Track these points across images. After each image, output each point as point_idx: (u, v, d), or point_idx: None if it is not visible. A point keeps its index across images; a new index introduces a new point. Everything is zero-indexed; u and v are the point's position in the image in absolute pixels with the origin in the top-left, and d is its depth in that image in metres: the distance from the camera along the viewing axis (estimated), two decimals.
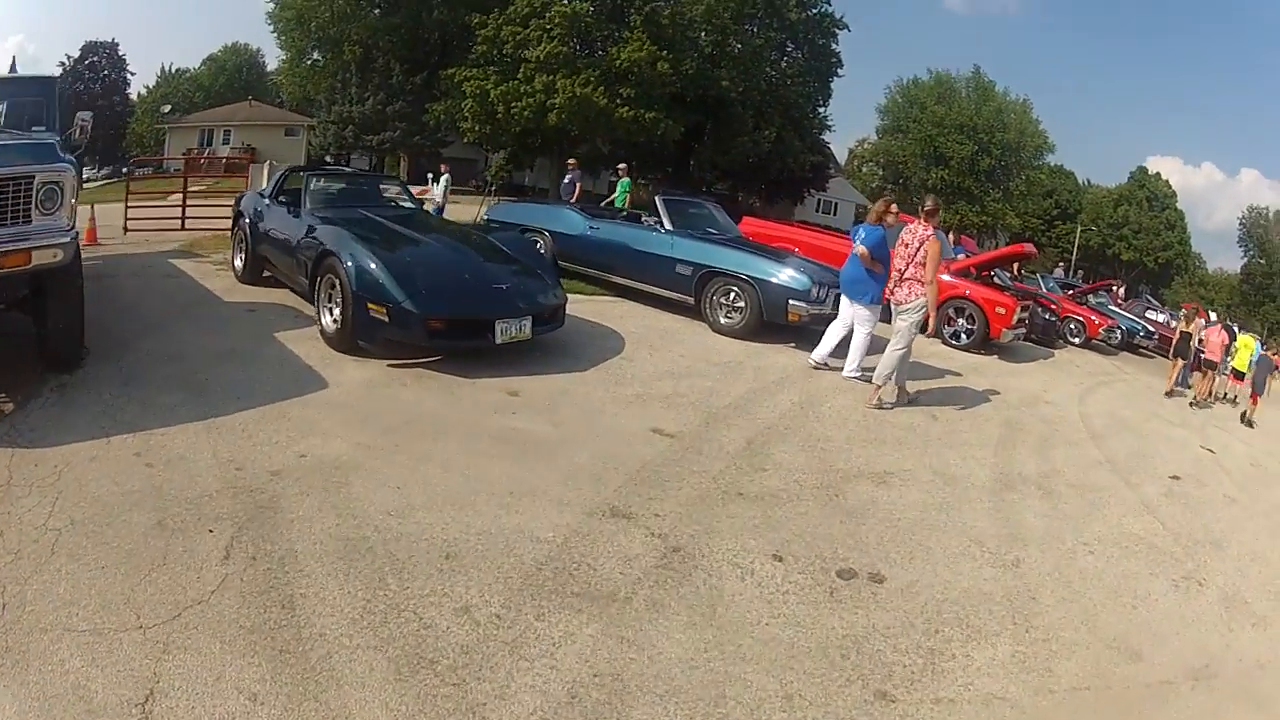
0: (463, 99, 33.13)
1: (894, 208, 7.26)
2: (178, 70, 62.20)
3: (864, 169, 53.26)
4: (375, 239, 6.32)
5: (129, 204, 13.92)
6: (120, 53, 55.54)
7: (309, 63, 40.46)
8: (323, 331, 6.27)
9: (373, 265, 5.80)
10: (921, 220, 6.88)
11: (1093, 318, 16.09)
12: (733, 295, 8.50)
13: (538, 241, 9.78)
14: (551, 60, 31.64)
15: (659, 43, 31.37)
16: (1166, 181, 57.22)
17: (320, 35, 37.26)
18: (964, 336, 11.00)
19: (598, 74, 31.97)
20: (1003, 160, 46.88)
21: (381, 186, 8.99)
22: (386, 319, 5.70)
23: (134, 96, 57.76)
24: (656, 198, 9.63)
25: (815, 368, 7.60)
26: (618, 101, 31.52)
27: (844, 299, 7.43)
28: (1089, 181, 60.63)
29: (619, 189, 15.52)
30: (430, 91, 35.89)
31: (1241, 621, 4.33)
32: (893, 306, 6.85)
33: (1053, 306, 14.50)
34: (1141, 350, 17.85)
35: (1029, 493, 5.64)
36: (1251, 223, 57.63)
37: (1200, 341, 12.85)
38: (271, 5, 37.28)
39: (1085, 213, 55.50)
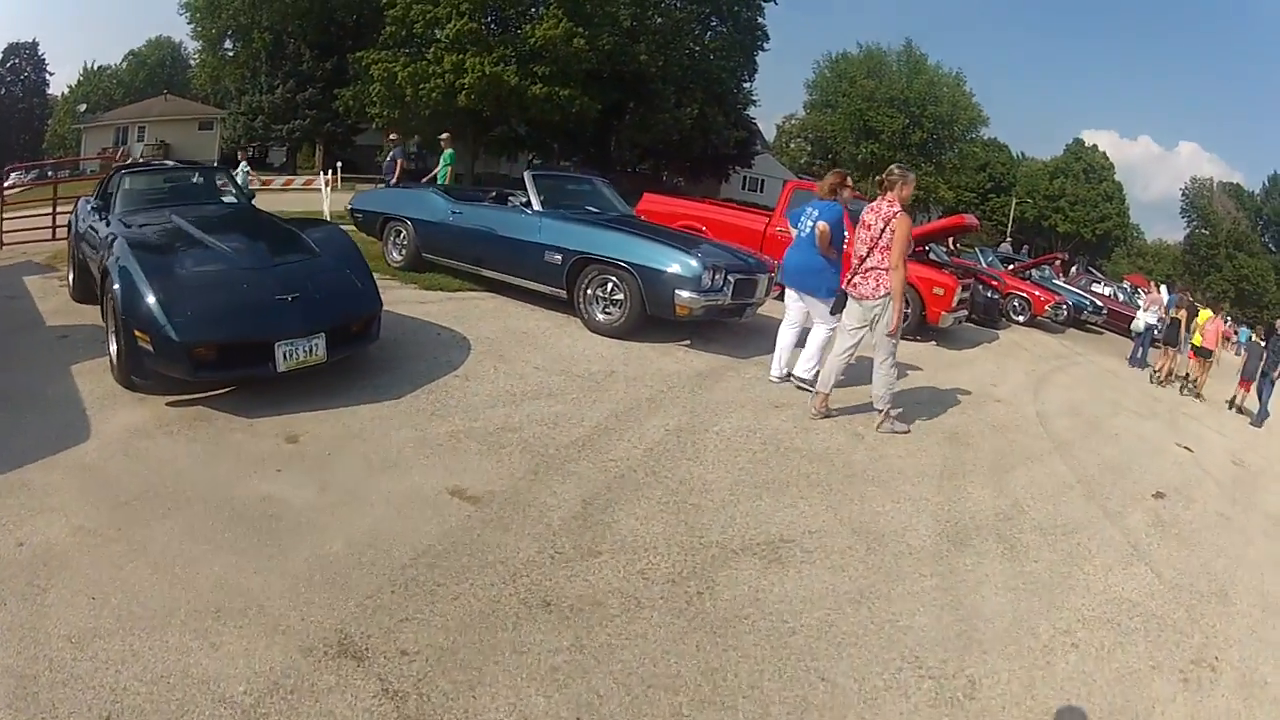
0: (370, 83, 31.11)
1: (849, 181, 6.19)
2: (100, 67, 58.68)
3: (792, 145, 51.86)
4: (159, 249, 5.19)
5: (3, 214, 11.86)
6: (40, 53, 53.06)
7: (220, 52, 38.01)
8: (110, 363, 5.03)
9: (140, 284, 4.58)
10: (886, 196, 5.36)
11: (1038, 294, 14.80)
12: (610, 286, 6.78)
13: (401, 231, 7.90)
14: (462, 38, 29.74)
15: (575, 18, 29.49)
16: (1104, 153, 56.26)
17: (232, 23, 34.95)
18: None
19: (510, 52, 30.12)
20: (935, 134, 46.03)
21: (217, 181, 7.58)
22: (151, 349, 4.49)
23: (60, 95, 54.91)
24: (525, 173, 7.85)
25: (778, 383, 6.21)
26: (531, 80, 29.62)
27: (790, 293, 6.17)
28: (1023, 155, 60.07)
29: (441, 162, 13.78)
30: (342, 77, 33.74)
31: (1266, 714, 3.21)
32: (855, 303, 5.45)
33: (994, 283, 13.14)
34: (1089, 326, 16.68)
35: (986, 551, 4.06)
36: (1195, 193, 57.74)
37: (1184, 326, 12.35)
38: None
39: (1020, 185, 55.01)
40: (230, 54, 37.63)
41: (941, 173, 45.71)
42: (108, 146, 42.13)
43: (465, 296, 7.89)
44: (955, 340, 10.16)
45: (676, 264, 6.31)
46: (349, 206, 9.84)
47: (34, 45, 53.05)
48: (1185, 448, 7.40)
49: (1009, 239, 33.41)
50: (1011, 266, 17.55)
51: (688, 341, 6.97)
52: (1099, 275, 24.64)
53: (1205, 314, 12.83)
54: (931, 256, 10.84)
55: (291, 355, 4.61)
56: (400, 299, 7.16)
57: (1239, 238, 53.90)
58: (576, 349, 6.46)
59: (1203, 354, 12.16)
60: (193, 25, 36.42)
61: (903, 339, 8.88)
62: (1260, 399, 10.68)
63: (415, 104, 30.61)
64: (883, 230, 5.25)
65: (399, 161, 13.73)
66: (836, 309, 5.56)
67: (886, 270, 5.22)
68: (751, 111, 40.55)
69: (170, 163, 12.04)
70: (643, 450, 4.58)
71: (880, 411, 5.54)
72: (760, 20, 38.17)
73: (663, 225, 8.67)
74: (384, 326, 5.49)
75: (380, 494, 3.78)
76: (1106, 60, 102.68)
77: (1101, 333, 16.89)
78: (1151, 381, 11.66)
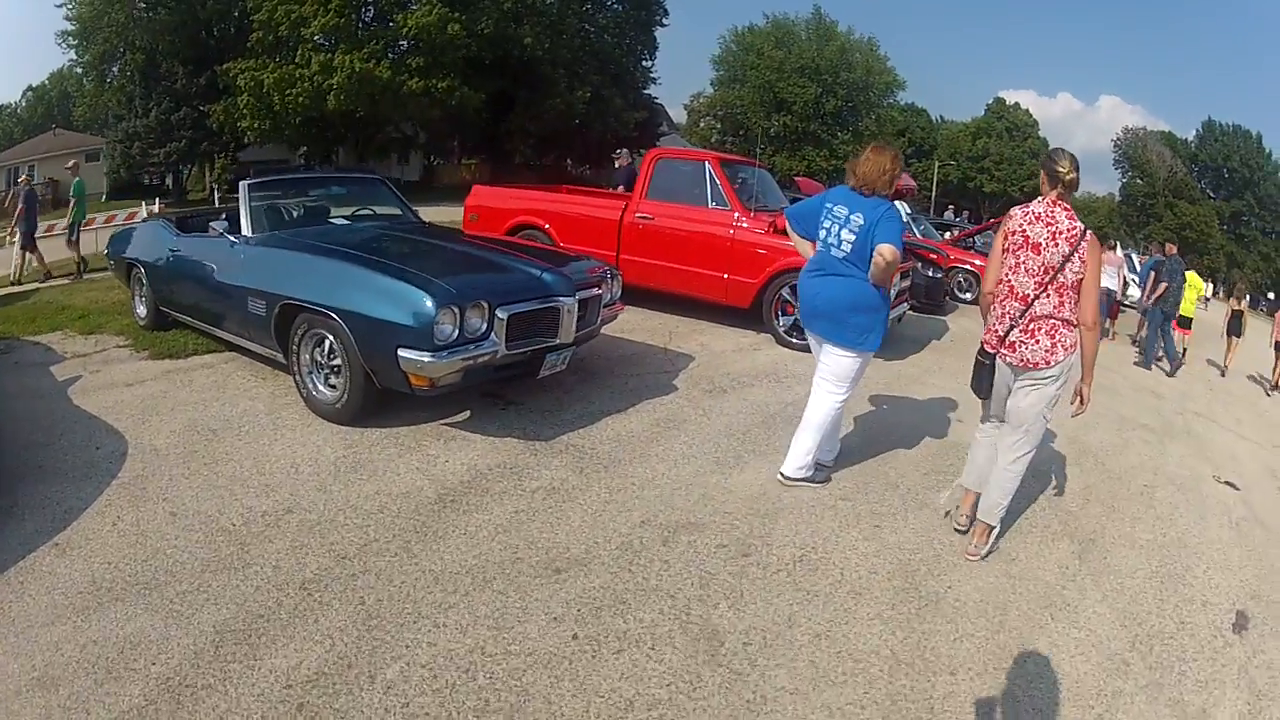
0: (239, 95, 27.82)
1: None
2: None
3: (702, 124, 49.24)
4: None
5: None
6: None
7: (95, 79, 34.23)
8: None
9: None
10: (1054, 198, 3.25)
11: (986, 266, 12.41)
12: (328, 346, 4.04)
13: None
14: (329, 35, 26.56)
15: (450, 3, 26.44)
16: (1027, 111, 54.90)
17: (106, 46, 31.31)
18: None
19: (381, 46, 26.96)
20: (850, 101, 44.29)
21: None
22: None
23: None
24: (240, 183, 5.06)
25: (788, 484, 3.89)
26: (405, 74, 26.49)
27: (814, 338, 3.93)
28: (943, 118, 58.24)
29: (72, 193, 11.71)
30: (214, 91, 30.15)
31: None
32: (1010, 372, 3.34)
33: (934, 257, 10.65)
34: None
35: None
36: (1128, 143, 56.37)
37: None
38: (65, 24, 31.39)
39: (942, 148, 53.71)
40: (108, 79, 34.04)
41: (859, 140, 43.64)
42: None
43: (188, 366, 5.29)
44: (894, 338, 7.60)
45: (392, 305, 3.64)
46: (104, 251, 7.12)
47: None
48: (1228, 484, 5.06)
49: (950, 207, 31.30)
50: (949, 235, 15.26)
51: (501, 405, 4.39)
52: None
53: (1193, 278, 10.76)
54: None
55: None
56: (106, 381, 4.99)
57: (1177, 185, 53.27)
58: (274, 455, 3.80)
59: (1183, 323, 10.19)
60: (72, 53, 33.11)
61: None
62: None
63: (284, 112, 27.33)
64: (1067, 257, 3.10)
65: (20, 196, 10.84)
66: (982, 388, 3.41)
67: (1071, 323, 3.17)
68: (659, 93, 37.84)
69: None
70: None
71: (988, 528, 3.40)
72: None
73: (470, 236, 6.05)
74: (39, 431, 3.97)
75: None
76: (1021, 19, 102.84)
77: None
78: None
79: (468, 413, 4.39)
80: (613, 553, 3.04)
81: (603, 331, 5.96)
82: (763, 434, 4.57)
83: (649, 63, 36.84)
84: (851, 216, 3.58)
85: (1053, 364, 3.13)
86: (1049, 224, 3.13)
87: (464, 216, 8.39)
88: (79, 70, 35.61)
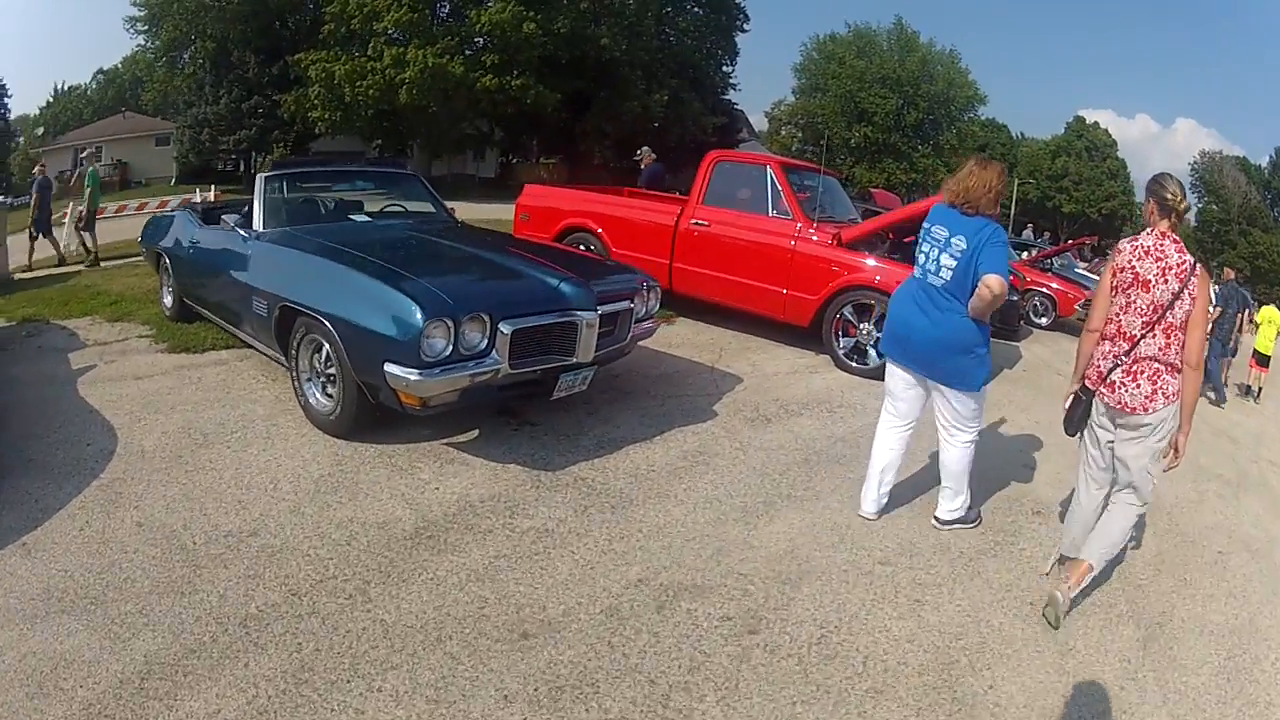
0: (310, 86, 28.25)
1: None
2: (70, 88, 56.01)
3: (782, 131, 48.09)
4: None
5: None
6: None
7: (165, 64, 35.02)
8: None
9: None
10: (1164, 229, 2.98)
11: (1064, 289, 11.61)
12: (325, 353, 3.74)
13: None
14: (402, 29, 26.78)
15: (526, 2, 26.39)
16: (1106, 130, 53.46)
17: (176, 33, 31.97)
18: (875, 355, 6.14)
19: (455, 42, 27.11)
20: (931, 114, 42.80)
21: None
22: None
23: (30, 118, 52.01)
24: (258, 175, 4.87)
25: (874, 517, 3.67)
26: (479, 71, 26.58)
27: (900, 374, 3.54)
28: (1023, 135, 56.43)
29: (86, 183, 11.59)
30: (287, 82, 30.77)
31: None
32: (1107, 415, 3.11)
33: (1011, 279, 9.85)
34: None
35: None
36: (1204, 168, 53.50)
37: None
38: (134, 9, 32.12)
39: (1021, 165, 51.56)
40: (180, 65, 34.78)
41: (940, 154, 42.39)
42: (65, 169, 40.07)
43: (202, 363, 5.11)
44: None
45: (379, 313, 3.31)
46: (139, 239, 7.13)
47: None
48: None
49: (1029, 226, 29.89)
50: (1028, 255, 14.38)
51: (514, 426, 4.04)
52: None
53: (1269, 312, 9.89)
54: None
55: None
56: (118, 372, 4.85)
57: (1251, 212, 50.43)
58: (258, 468, 3.56)
59: (1260, 359, 9.56)
60: (141, 39, 33.94)
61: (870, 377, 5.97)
62: None
63: (355, 104, 27.70)
64: (1176, 295, 2.85)
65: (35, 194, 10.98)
66: (1073, 425, 3.18)
67: (1176, 368, 2.91)
68: (740, 99, 37.36)
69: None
70: None
71: (1089, 569, 3.06)
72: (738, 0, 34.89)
73: (501, 238, 5.67)
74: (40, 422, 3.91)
75: None
76: (1101, 38, 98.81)
77: None
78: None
79: (475, 432, 4.03)
80: (595, 617, 2.62)
81: (647, 345, 5.58)
82: (803, 475, 4.06)
83: (729, 68, 36.36)
84: (952, 240, 3.19)
85: (1150, 411, 2.90)
86: (1159, 259, 2.87)
87: (515, 216, 8.11)
88: (150, 55, 36.41)
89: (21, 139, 50.28)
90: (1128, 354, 2.93)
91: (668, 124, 31.43)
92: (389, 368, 3.17)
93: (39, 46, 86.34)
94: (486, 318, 3.33)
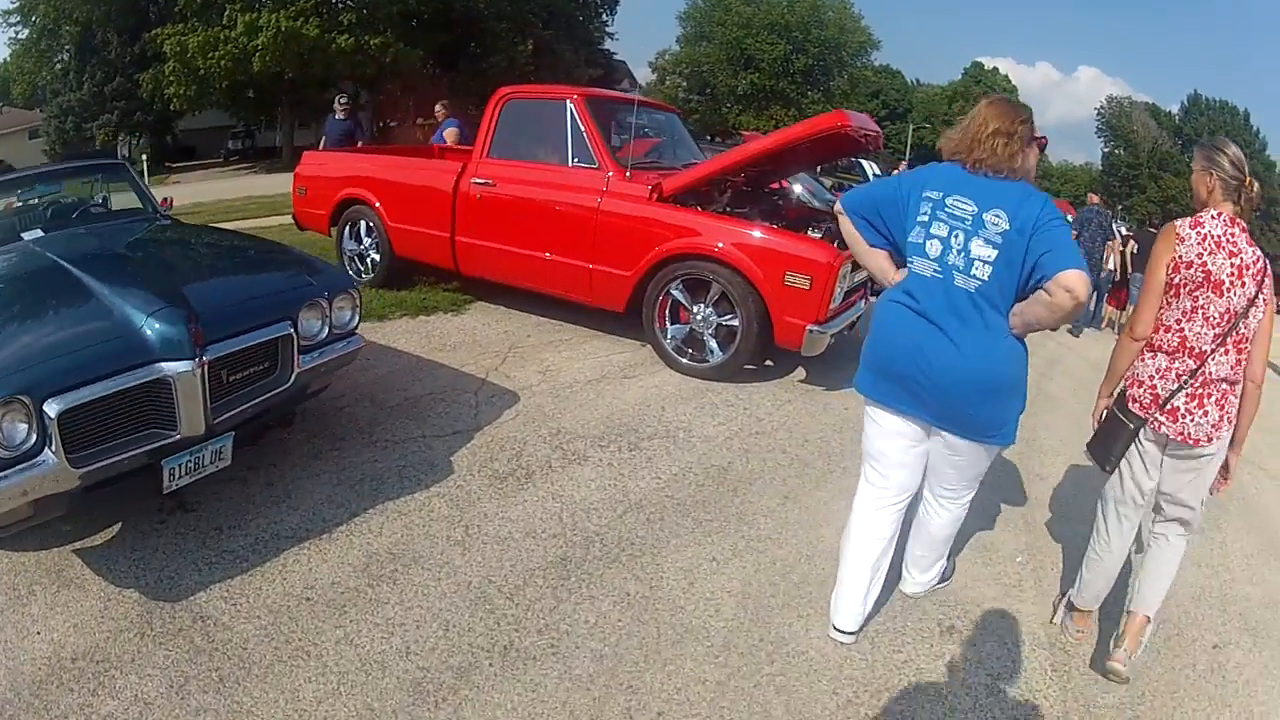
0: (165, 61, 26.22)
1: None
2: None
3: (667, 81, 47.23)
4: None
5: None
6: None
7: (33, 56, 32.48)
8: None
9: None
10: (1227, 213, 2.24)
11: None
12: None
13: None
14: None
15: None
16: (1006, 77, 54.22)
17: (45, 22, 29.76)
18: (717, 348, 4.65)
19: (310, 3, 25.08)
20: (821, 59, 42.58)
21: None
22: None
23: None
24: None
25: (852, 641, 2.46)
26: (335, 31, 24.72)
27: (904, 425, 2.33)
28: (918, 81, 56.92)
29: None
30: (146, 60, 28.52)
31: None
32: (1156, 447, 2.41)
33: None
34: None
35: None
36: (1112, 113, 54.79)
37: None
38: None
39: (916, 111, 52.03)
40: (47, 55, 32.41)
41: (831, 100, 42.32)
42: None
43: None
44: (827, 366, 4.93)
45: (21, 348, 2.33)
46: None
47: None
48: None
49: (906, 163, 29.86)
50: None
51: (163, 515, 2.85)
52: None
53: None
54: (783, 201, 6.19)
55: None
56: None
57: (1162, 157, 52.02)
58: None
59: None
60: (11, 31, 31.36)
61: (705, 377, 4.63)
62: None
63: (210, 77, 25.84)
64: (1252, 300, 2.22)
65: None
66: (1112, 459, 2.46)
67: (1237, 385, 2.30)
68: (624, 50, 36.33)
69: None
70: None
71: (1146, 620, 2.49)
72: None
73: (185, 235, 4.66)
74: None
75: None
76: None
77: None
78: None
79: (118, 526, 2.80)
80: None
81: (408, 352, 4.56)
82: (550, 596, 2.54)
83: (608, 18, 35.19)
84: (986, 216, 2.07)
85: (1214, 440, 2.29)
86: (1232, 253, 2.19)
87: (292, 191, 6.89)
88: (21, 47, 33.70)
89: None
90: (1194, 374, 2.27)
91: (538, 76, 30.10)
92: (49, 404, 2.17)
93: None
94: (26, 400, 2.19)
